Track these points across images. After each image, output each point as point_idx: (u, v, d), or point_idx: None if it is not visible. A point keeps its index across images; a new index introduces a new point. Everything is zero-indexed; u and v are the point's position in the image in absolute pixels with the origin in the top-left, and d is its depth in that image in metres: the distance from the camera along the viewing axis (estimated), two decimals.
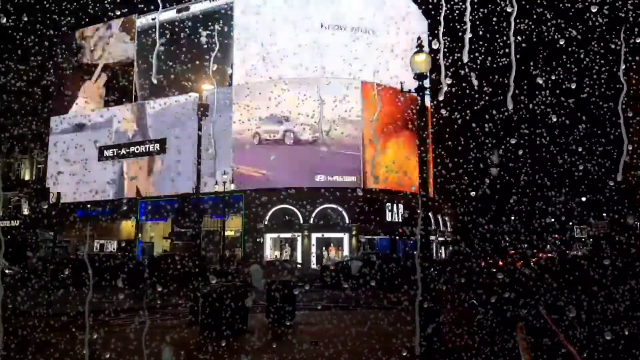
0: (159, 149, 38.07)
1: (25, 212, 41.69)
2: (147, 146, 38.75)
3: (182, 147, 36.92)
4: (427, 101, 10.78)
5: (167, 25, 38.40)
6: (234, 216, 33.70)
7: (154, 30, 39.76)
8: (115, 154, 39.93)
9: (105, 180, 39.23)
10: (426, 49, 9.54)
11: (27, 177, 43.88)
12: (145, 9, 39.25)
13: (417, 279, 8.53)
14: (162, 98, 38.48)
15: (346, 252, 33.41)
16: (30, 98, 38.57)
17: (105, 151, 40.24)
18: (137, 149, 39.06)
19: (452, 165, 41.55)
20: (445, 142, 39.97)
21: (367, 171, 34.05)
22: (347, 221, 33.62)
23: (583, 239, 43.73)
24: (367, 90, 34.73)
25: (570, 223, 46.96)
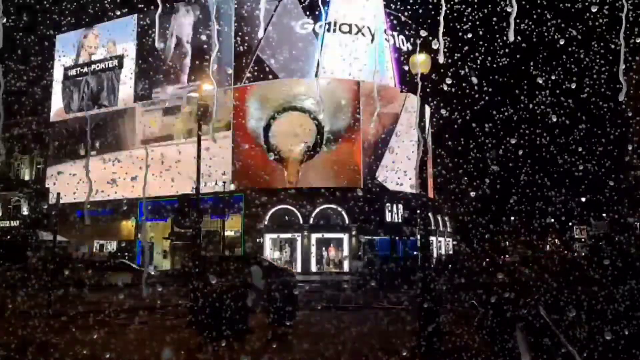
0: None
1: (25, 212, 41.69)
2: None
3: (182, 146, 36.95)
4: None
5: (166, 25, 38.43)
6: (234, 216, 33.68)
7: (153, 30, 39.74)
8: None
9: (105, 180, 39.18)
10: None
11: (27, 177, 43.86)
12: (145, 9, 39.22)
13: (417, 279, 8.54)
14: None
15: (346, 252, 33.43)
16: (30, 98, 38.58)
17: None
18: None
19: (452, 165, 41.51)
20: (445, 142, 39.94)
21: (367, 171, 34.04)
22: (347, 221, 33.60)
23: (583, 239, 43.67)
24: (367, 90, 34.73)
25: (570, 223, 46.88)
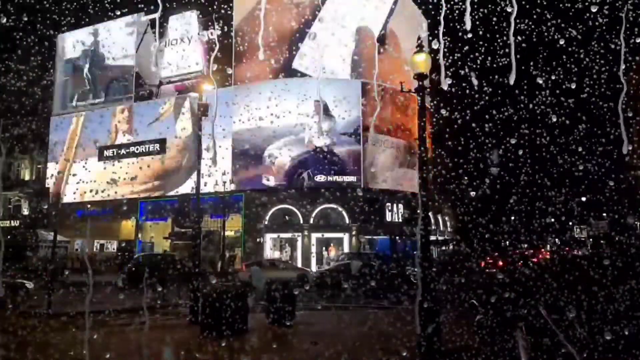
0: (159, 149, 38.05)
1: (25, 212, 41.69)
2: (147, 146, 38.69)
3: (182, 147, 37.00)
4: (427, 101, 10.80)
5: (166, 25, 38.46)
6: (234, 216, 33.69)
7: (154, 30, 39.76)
8: (115, 154, 39.90)
9: (105, 180, 39.25)
10: (426, 49, 9.56)
11: (27, 177, 43.86)
12: (145, 9, 39.24)
13: (416, 279, 8.54)
14: (162, 98, 38.68)
15: (346, 251, 33.41)
16: (30, 98, 38.56)
17: (105, 151, 40.21)
18: (137, 149, 39.03)
19: (452, 165, 41.51)
20: (445, 142, 39.93)
21: (367, 171, 34.02)
22: (347, 221, 33.60)
23: (583, 239, 43.73)
24: (367, 90, 34.71)
25: (570, 223, 46.96)
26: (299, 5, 35.04)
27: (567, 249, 44.02)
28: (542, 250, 43.79)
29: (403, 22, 36.42)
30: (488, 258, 30.73)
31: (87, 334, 10.00)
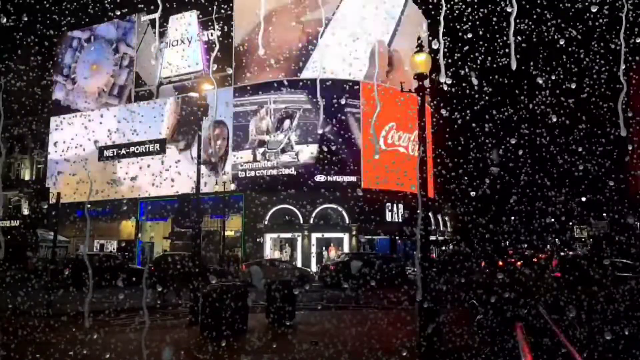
0: (159, 149, 38.04)
1: (25, 212, 41.68)
2: (147, 146, 38.68)
3: (181, 147, 36.98)
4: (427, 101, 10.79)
5: (166, 25, 38.46)
6: (234, 216, 33.70)
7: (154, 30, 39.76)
8: (115, 154, 39.88)
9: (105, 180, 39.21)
10: (426, 49, 9.57)
11: (27, 177, 43.87)
12: (145, 8, 39.25)
13: (416, 279, 8.54)
14: (162, 98, 38.64)
15: (346, 251, 33.42)
16: (30, 98, 38.58)
17: (105, 151, 40.19)
18: (137, 149, 39.01)
19: (452, 165, 41.51)
20: (445, 142, 39.95)
21: (367, 171, 34.01)
22: (347, 221, 33.61)
23: (583, 239, 43.74)
24: (367, 91, 34.72)
25: (570, 223, 46.99)
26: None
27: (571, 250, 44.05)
28: (547, 252, 43.78)
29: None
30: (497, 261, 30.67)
31: (86, 333, 10.00)
